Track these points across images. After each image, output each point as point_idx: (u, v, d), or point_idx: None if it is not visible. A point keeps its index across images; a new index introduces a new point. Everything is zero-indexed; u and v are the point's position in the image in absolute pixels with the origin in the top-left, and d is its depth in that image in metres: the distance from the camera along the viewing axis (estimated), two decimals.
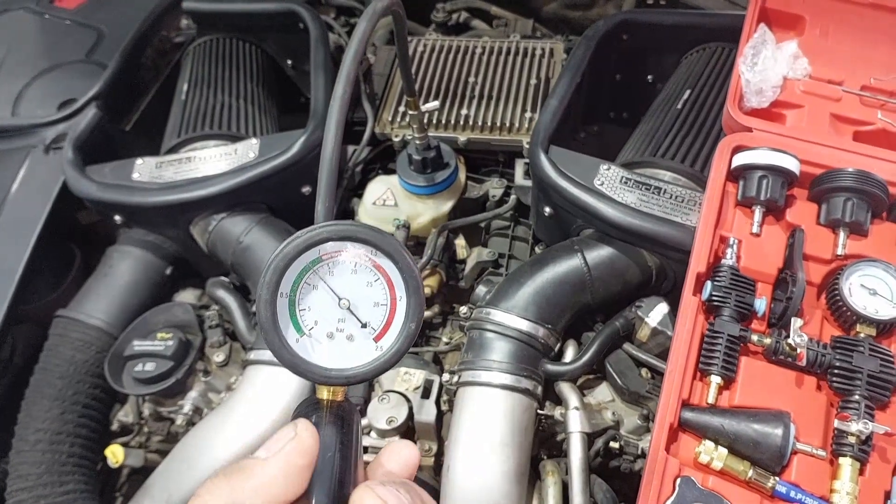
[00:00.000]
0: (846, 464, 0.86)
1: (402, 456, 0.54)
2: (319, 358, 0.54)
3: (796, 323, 0.94)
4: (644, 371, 1.22)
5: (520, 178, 1.50)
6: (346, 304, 0.54)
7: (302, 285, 0.54)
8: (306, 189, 1.47)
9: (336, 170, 0.65)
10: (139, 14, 1.78)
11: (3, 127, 1.61)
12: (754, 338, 0.96)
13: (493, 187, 1.55)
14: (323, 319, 0.54)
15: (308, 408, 0.54)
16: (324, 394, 0.55)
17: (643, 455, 1.17)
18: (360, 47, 0.77)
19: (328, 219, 0.60)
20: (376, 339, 0.55)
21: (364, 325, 0.55)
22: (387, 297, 0.55)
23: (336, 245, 0.53)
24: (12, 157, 1.56)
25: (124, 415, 1.36)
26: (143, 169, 1.44)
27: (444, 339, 1.42)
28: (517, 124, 1.57)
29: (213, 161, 1.43)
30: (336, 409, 0.54)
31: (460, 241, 1.52)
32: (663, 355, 1.20)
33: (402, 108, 1.63)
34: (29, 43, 1.86)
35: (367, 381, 0.56)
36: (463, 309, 1.37)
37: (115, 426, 1.37)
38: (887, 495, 0.86)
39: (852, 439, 0.87)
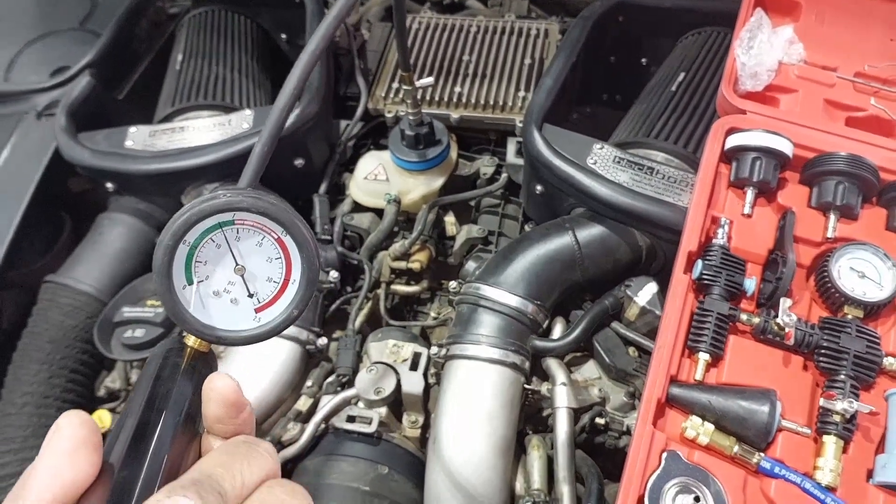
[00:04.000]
0: (830, 441, 0.88)
1: (218, 394, 0.52)
2: (198, 311, 0.55)
3: (785, 303, 0.95)
4: (631, 350, 1.23)
5: (511, 156, 1.50)
6: (242, 270, 0.56)
7: (206, 240, 0.54)
8: (298, 161, 1.46)
9: (278, 133, 0.65)
10: None
11: None
12: (743, 317, 0.97)
13: (485, 165, 1.55)
14: (215, 277, 0.55)
15: (172, 348, 0.55)
16: (190, 340, 0.56)
17: (628, 432, 1.18)
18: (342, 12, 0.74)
19: (253, 183, 0.61)
20: (257, 311, 0.57)
21: (251, 295, 0.57)
22: (281, 277, 0.57)
23: (251, 216, 0.54)
24: (3, 123, 1.55)
25: (111, 381, 1.36)
26: (137, 137, 1.43)
27: (433, 315, 1.43)
28: (510, 103, 1.57)
29: (207, 131, 1.42)
30: (197, 357, 0.55)
31: (450, 218, 1.53)
32: (651, 335, 1.21)
33: (395, 85, 1.63)
34: (21, 9, 1.84)
35: (232, 345, 0.57)
36: (452, 284, 1.37)
37: (101, 392, 1.37)
38: (870, 473, 0.88)
39: (837, 418, 0.88)
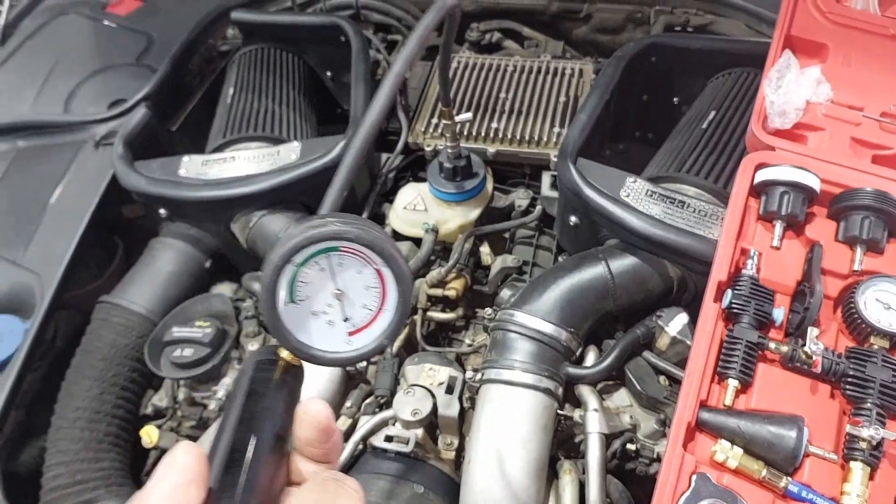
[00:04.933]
0: (857, 468, 0.90)
1: (312, 418, 0.55)
2: (296, 327, 0.58)
3: (813, 332, 0.98)
4: (662, 378, 1.26)
5: (546, 189, 1.55)
6: (340, 295, 0.59)
7: (311, 263, 0.58)
8: None
9: (364, 151, 0.71)
10: (188, 22, 1.87)
11: (56, 123, 1.69)
12: (771, 345, 0.99)
13: (519, 198, 1.60)
14: (315, 298, 0.59)
15: (263, 360, 0.58)
16: (284, 353, 0.59)
17: (658, 459, 1.20)
18: (425, 33, 0.82)
19: (337, 205, 0.65)
20: (350, 334, 0.60)
21: (346, 319, 0.60)
22: (376, 306, 0.60)
23: (357, 246, 0.58)
24: (64, 152, 1.64)
25: (159, 399, 1.42)
26: (190, 166, 1.51)
27: (467, 342, 1.47)
28: (545, 138, 1.63)
29: (256, 161, 1.50)
30: (289, 370, 0.58)
31: (485, 248, 1.58)
32: (682, 364, 1.24)
33: (434, 120, 1.70)
34: (82, 45, 1.95)
35: (324, 365, 0.61)
36: (487, 311, 1.42)
37: (148, 410, 1.42)
38: None
39: (863, 444, 0.90)
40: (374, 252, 0.58)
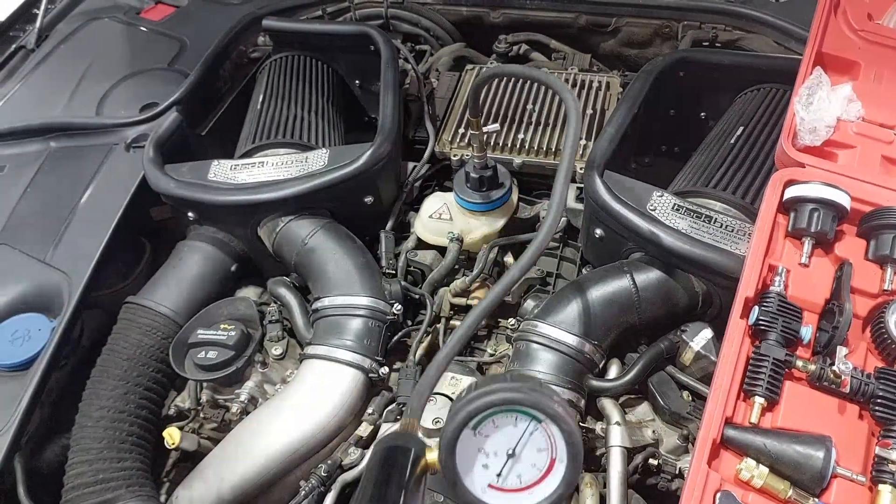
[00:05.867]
0: (885, 490, 0.89)
1: None
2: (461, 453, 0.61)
3: (841, 352, 0.97)
4: (685, 394, 1.25)
5: (571, 201, 1.55)
6: (511, 452, 0.62)
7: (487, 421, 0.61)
8: (368, 199, 1.54)
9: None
10: (220, 29, 1.90)
11: (89, 125, 1.72)
12: (799, 363, 0.99)
13: (544, 209, 1.60)
14: (493, 440, 0.62)
15: (401, 448, 0.62)
16: (430, 457, 0.63)
17: (681, 475, 1.19)
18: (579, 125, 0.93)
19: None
20: (490, 487, 0.63)
21: (499, 475, 0.63)
22: (544, 468, 0.62)
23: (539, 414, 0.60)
24: (95, 153, 1.67)
25: (181, 400, 1.43)
26: (219, 170, 1.52)
27: (489, 351, 1.47)
28: None
29: (285, 167, 1.51)
30: (425, 472, 0.62)
31: (509, 259, 1.58)
32: (705, 380, 1.23)
33: (461, 130, 1.71)
34: (115, 49, 1.99)
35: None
36: (511, 321, 1.42)
37: (171, 411, 1.43)
38: None
39: (893, 467, 0.89)
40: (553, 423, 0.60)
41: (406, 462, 0.59)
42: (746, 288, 1.06)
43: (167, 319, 1.43)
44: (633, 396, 1.28)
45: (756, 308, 1.03)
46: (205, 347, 1.35)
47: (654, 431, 1.22)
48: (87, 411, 1.34)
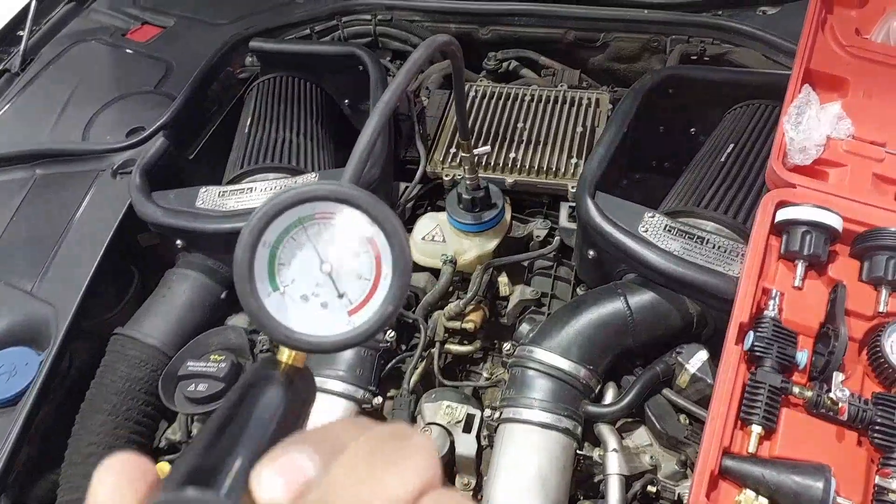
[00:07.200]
0: None
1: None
2: (286, 318, 0.49)
3: (838, 377, 0.97)
4: (682, 417, 1.24)
5: (564, 220, 1.55)
6: (328, 268, 0.50)
7: (287, 239, 0.49)
8: None
9: (375, 141, 0.64)
10: (207, 50, 1.87)
11: (74, 151, 1.70)
12: (795, 390, 0.98)
13: (538, 228, 1.59)
14: (301, 280, 0.50)
15: (264, 368, 0.49)
16: (283, 356, 0.49)
17: (680, 501, 1.18)
18: (413, 67, 0.81)
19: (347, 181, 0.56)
20: (350, 313, 0.50)
21: (341, 296, 0.50)
22: (371, 273, 0.50)
23: (332, 206, 0.49)
24: (81, 180, 1.64)
25: (172, 432, 1.41)
26: (207, 197, 1.51)
27: (485, 375, 1.46)
28: (563, 169, 1.62)
29: (274, 192, 1.49)
30: (294, 374, 0.48)
31: (503, 279, 1.56)
32: (702, 402, 1.22)
33: (452, 150, 1.69)
34: (101, 72, 1.96)
35: (329, 353, 0.52)
36: (506, 346, 1.41)
37: (162, 444, 1.41)
38: None
39: (893, 497, 0.89)
40: (353, 209, 0.48)
41: (259, 366, 0.48)
42: (741, 313, 1.05)
43: (156, 351, 1.41)
44: (629, 420, 1.27)
45: (751, 333, 1.02)
46: (194, 380, 1.33)
47: (651, 457, 1.21)
48: (77, 447, 1.32)
